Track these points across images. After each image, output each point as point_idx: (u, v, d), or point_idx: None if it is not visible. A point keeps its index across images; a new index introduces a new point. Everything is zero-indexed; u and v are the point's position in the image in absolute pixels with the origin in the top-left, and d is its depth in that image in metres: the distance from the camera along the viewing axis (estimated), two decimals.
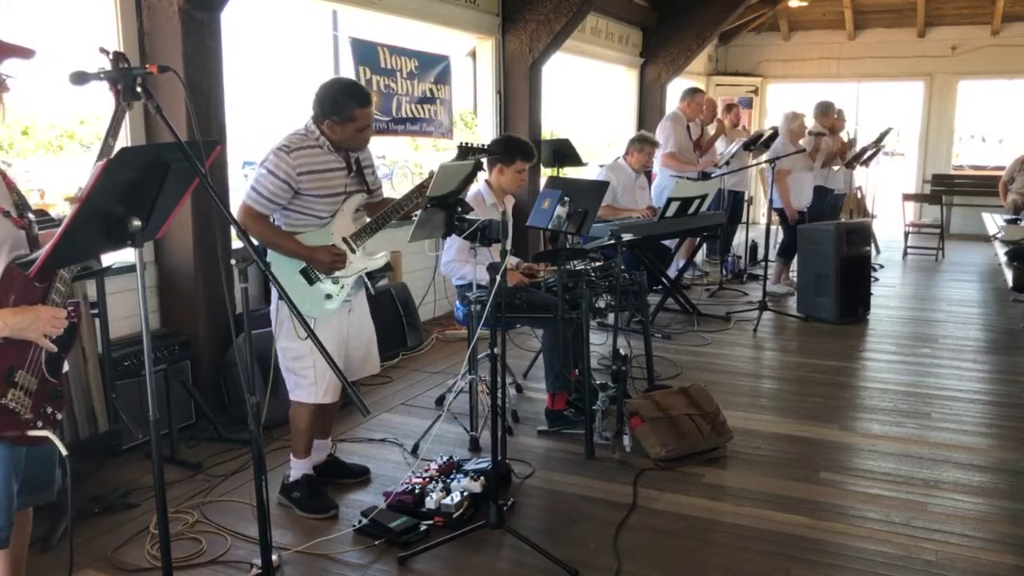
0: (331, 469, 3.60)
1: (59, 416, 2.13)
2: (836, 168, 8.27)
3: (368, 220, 3.33)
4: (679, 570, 2.92)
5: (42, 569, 2.76)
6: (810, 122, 7.90)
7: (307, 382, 3.26)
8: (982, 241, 9.89)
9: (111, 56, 2.00)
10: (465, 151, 3.43)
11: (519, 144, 4.41)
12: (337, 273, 3.21)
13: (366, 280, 3.42)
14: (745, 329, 6.37)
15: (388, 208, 3.32)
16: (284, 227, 3.21)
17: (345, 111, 3.12)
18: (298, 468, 3.40)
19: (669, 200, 5.98)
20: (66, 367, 2.23)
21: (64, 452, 2.05)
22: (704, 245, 8.03)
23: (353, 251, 3.26)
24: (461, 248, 4.20)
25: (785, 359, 5.77)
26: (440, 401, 4.60)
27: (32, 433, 2.02)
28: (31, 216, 2.13)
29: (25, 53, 2.00)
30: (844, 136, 8.53)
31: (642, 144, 6.41)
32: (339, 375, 2.07)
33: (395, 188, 11.63)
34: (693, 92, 7.79)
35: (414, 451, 3.93)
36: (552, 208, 4.07)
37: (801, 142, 7.48)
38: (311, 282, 3.19)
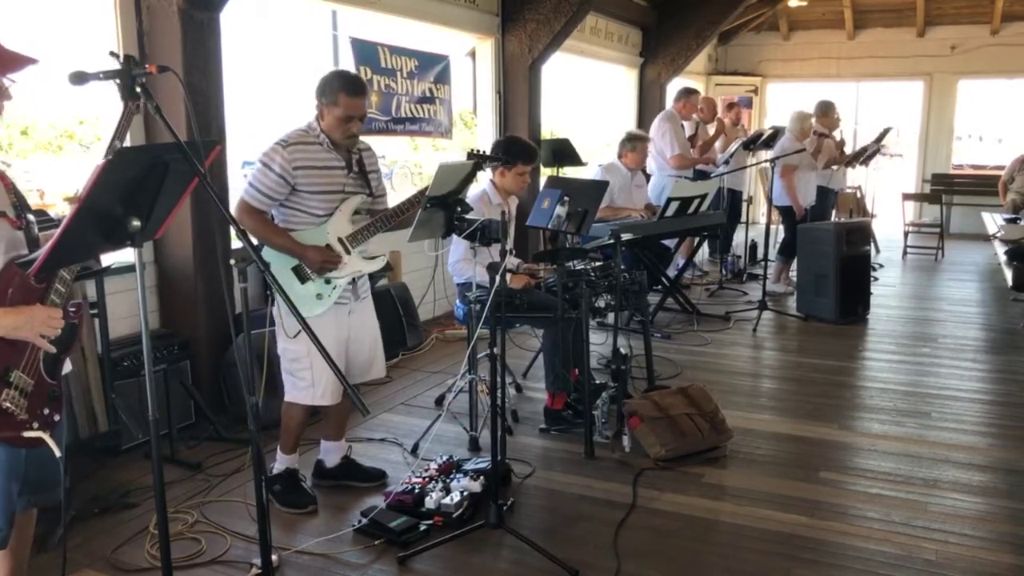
0: (348, 471, 3.59)
1: (56, 418, 2.12)
2: (836, 168, 8.28)
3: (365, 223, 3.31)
4: (679, 570, 2.92)
5: (41, 569, 2.76)
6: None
7: (304, 383, 3.26)
8: (982, 240, 9.90)
9: (121, 59, 1.98)
10: (473, 157, 3.47)
11: (520, 147, 4.35)
12: (330, 274, 3.21)
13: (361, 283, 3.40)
14: (745, 329, 6.37)
15: (388, 212, 3.32)
16: (281, 224, 3.22)
17: (330, 94, 3.13)
18: (282, 462, 3.41)
19: (669, 200, 5.98)
20: (67, 368, 2.22)
21: (59, 454, 2.05)
22: (704, 245, 8.03)
23: (348, 252, 3.25)
24: (469, 248, 4.19)
25: (785, 359, 5.77)
26: (440, 401, 4.60)
27: (27, 434, 2.02)
28: (30, 217, 2.13)
29: (28, 62, 2.00)
30: (837, 135, 8.55)
31: (633, 143, 6.28)
32: (338, 374, 2.07)
33: (395, 188, 11.60)
34: (688, 93, 7.79)
35: (414, 451, 3.93)
36: (552, 208, 4.06)
37: (805, 142, 7.50)
38: (302, 281, 3.19)
